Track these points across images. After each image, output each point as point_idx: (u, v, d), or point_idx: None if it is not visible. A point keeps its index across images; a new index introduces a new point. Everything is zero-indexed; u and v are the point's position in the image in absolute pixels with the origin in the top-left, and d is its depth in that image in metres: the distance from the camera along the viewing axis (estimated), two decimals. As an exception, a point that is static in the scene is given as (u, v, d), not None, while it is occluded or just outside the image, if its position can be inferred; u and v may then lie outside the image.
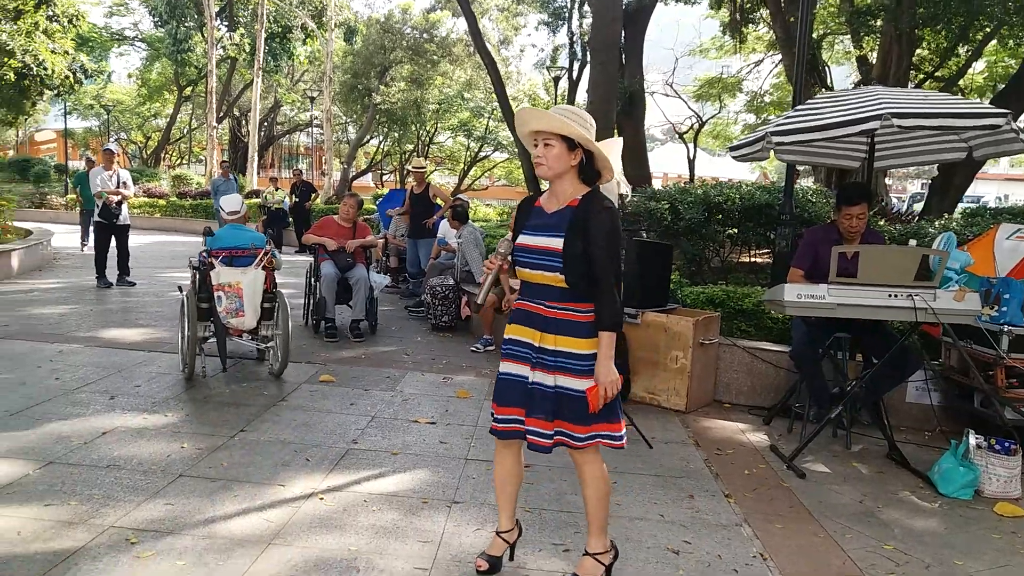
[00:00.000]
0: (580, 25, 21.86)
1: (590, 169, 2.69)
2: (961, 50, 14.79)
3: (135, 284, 9.92)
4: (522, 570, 2.92)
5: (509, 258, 2.74)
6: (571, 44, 21.95)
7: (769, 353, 5.57)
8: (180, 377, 5.40)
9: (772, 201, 7.53)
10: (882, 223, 8.27)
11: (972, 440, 4.15)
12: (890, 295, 4.09)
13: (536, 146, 2.68)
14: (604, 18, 9.11)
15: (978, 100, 4.79)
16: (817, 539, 3.41)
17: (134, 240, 10.20)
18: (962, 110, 4.52)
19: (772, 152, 5.32)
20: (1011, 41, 13.97)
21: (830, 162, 6.23)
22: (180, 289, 5.69)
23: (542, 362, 2.66)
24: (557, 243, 2.61)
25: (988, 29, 12.42)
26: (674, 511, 3.61)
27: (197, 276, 5.59)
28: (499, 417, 2.72)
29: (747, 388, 5.65)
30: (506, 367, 2.74)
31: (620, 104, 9.87)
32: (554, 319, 2.66)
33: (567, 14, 22.18)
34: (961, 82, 15.26)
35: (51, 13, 12.51)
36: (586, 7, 22.38)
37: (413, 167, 10.01)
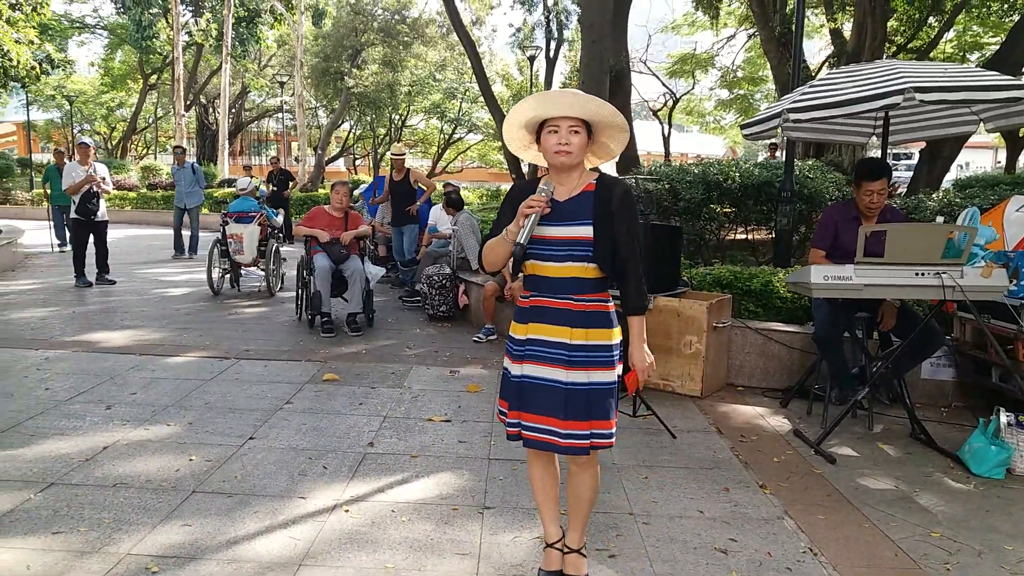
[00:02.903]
0: (556, 3, 21.62)
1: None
2: (933, 20, 14.85)
3: (115, 282, 9.62)
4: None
5: (548, 204, 2.49)
6: (547, 23, 21.71)
7: (781, 334, 5.47)
8: (178, 382, 5.17)
9: (771, 179, 7.43)
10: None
11: (1003, 418, 4.07)
12: (917, 274, 4.00)
13: (554, 131, 2.48)
14: (597, -6, 8.86)
15: (994, 72, 4.65)
16: (863, 529, 3.31)
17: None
18: (983, 83, 4.41)
19: (779, 129, 5.19)
20: (984, 9, 14.06)
21: (840, 139, 6.12)
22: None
23: (576, 359, 2.50)
24: (586, 231, 2.46)
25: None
26: (712, 506, 3.49)
27: (222, 229, 8.96)
28: (528, 424, 2.52)
29: (760, 370, 5.55)
30: (532, 370, 2.52)
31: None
32: (585, 312, 2.51)
33: (543, -8, 21.96)
34: (932, 53, 15.33)
35: (13, 1, 11.96)
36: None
37: (393, 154, 9.55)
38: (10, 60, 11.17)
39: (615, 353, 2.54)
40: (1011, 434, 4.03)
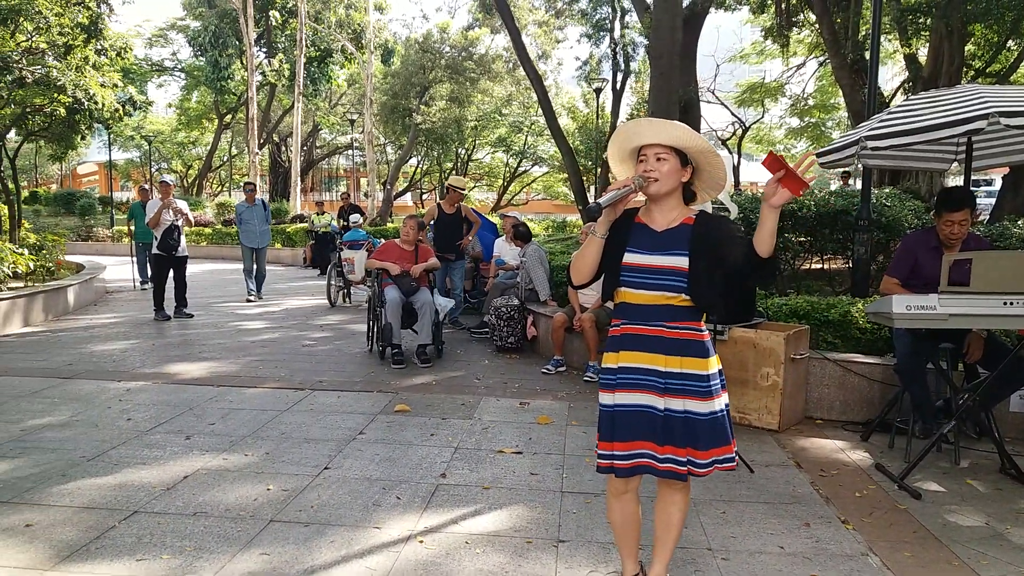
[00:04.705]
0: (622, 35, 21.76)
1: (688, 188, 2.59)
2: (1012, 44, 14.40)
3: (193, 316, 9.94)
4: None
5: (638, 192, 2.50)
6: (614, 55, 21.84)
7: (860, 365, 5.30)
8: (255, 413, 5.30)
9: (847, 207, 7.26)
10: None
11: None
12: (1005, 303, 3.82)
13: (642, 160, 2.51)
14: (665, 26, 8.87)
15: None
16: (952, 567, 3.15)
17: (185, 271, 10.19)
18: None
19: (856, 157, 5.08)
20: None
21: (919, 165, 5.96)
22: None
23: (670, 387, 2.49)
24: (681, 262, 2.47)
25: None
26: (793, 542, 3.37)
27: (339, 254, 11.35)
28: (621, 453, 2.53)
29: (839, 403, 5.38)
30: (624, 397, 2.54)
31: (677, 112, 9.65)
32: (679, 340, 2.51)
33: (609, 25, 22.09)
34: (1012, 78, 14.84)
35: (100, 47, 12.65)
36: (627, 17, 22.28)
37: (454, 185, 9.17)
38: (96, 103, 11.77)
39: (713, 384, 2.51)
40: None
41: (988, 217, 10.57)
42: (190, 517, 3.51)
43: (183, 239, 9.72)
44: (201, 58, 33.02)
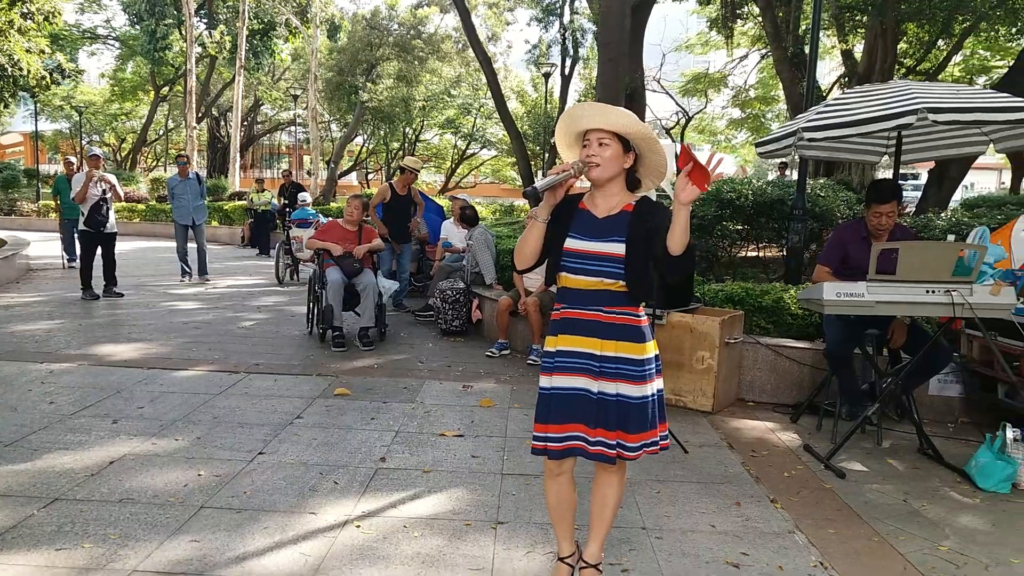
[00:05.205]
0: (572, 21, 21.75)
1: (632, 175, 2.60)
2: (942, 43, 14.94)
3: (123, 295, 9.61)
4: (582, 598, 2.75)
5: (578, 177, 2.53)
6: (563, 40, 21.84)
7: (791, 350, 5.47)
8: (186, 396, 5.17)
9: (783, 197, 7.45)
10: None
11: (1009, 434, 4.09)
12: (928, 291, 4.00)
13: (586, 145, 2.53)
14: (614, 13, 8.83)
15: (1005, 94, 4.68)
16: (872, 543, 3.30)
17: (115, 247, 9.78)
18: (994, 104, 4.45)
19: (793, 147, 5.21)
20: (993, 32, 14.18)
21: (852, 158, 6.15)
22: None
23: (605, 371, 2.52)
24: (618, 249, 2.49)
25: (968, 23, 12.64)
26: (724, 520, 3.47)
27: (287, 232, 11.66)
28: (555, 435, 2.55)
29: (771, 386, 5.54)
30: (561, 381, 2.56)
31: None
32: (615, 324, 2.53)
33: (559, 10, 22.06)
34: (940, 75, 15.42)
35: (25, 10, 11.98)
36: (577, 3, 22.26)
37: (410, 166, 8.96)
38: (20, 69, 11.20)
39: (647, 368, 2.54)
40: (1017, 449, 4.04)
41: (914, 209, 10.98)
42: (115, 504, 3.41)
43: (112, 215, 9.38)
44: (137, 27, 31.72)
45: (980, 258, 4.07)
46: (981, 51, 18.13)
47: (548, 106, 25.08)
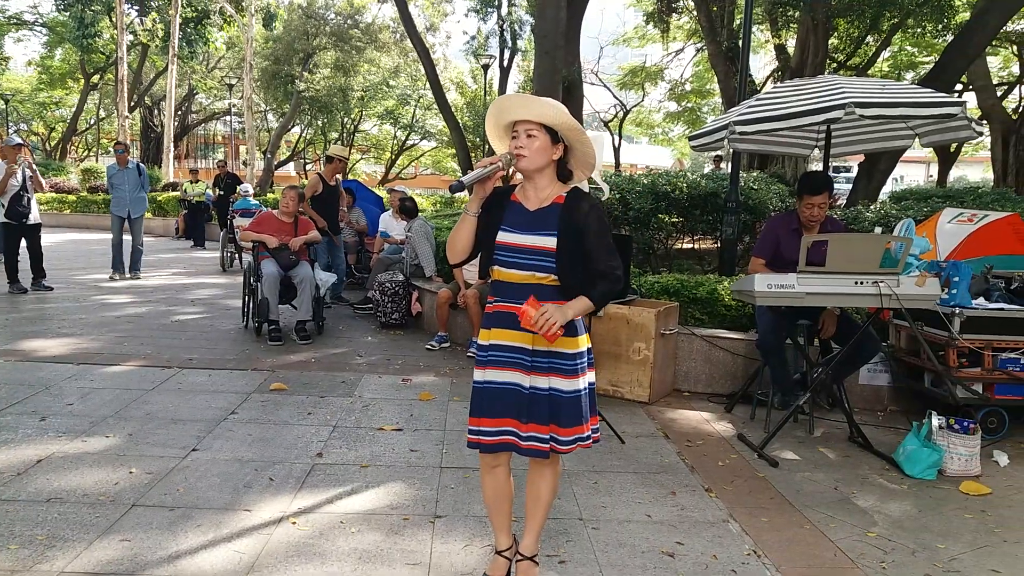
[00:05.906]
0: (510, 12, 21.74)
1: (564, 166, 2.59)
2: (871, 39, 15.43)
3: (52, 288, 9.27)
4: (519, 589, 2.77)
5: (507, 170, 2.51)
6: (501, 32, 21.81)
7: (725, 340, 5.59)
8: (117, 392, 5.03)
9: (717, 190, 7.59)
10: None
11: (935, 422, 4.22)
12: (856, 282, 4.12)
13: (514, 137, 2.52)
14: (551, 5, 8.89)
15: (930, 90, 4.88)
16: (804, 530, 3.39)
17: (44, 240, 9.44)
18: (919, 99, 4.60)
19: (726, 140, 5.30)
20: (919, 29, 14.74)
21: (784, 151, 6.28)
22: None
23: (537, 365, 2.53)
24: (549, 242, 2.48)
25: (896, 19, 13.07)
26: (660, 510, 3.53)
27: (230, 221, 12.24)
28: (487, 430, 2.55)
29: (705, 376, 5.65)
30: (493, 375, 2.56)
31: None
32: None
33: (497, 1, 22.00)
34: (870, 71, 15.93)
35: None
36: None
37: (338, 155, 8.85)
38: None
39: (579, 362, 2.55)
40: (942, 437, 4.18)
41: (845, 201, 11.32)
42: (43, 504, 3.30)
43: (35, 205, 9.05)
44: (65, 13, 30.45)
45: (906, 250, 4.21)
46: (908, 47, 18.75)
47: (488, 97, 25.05)
